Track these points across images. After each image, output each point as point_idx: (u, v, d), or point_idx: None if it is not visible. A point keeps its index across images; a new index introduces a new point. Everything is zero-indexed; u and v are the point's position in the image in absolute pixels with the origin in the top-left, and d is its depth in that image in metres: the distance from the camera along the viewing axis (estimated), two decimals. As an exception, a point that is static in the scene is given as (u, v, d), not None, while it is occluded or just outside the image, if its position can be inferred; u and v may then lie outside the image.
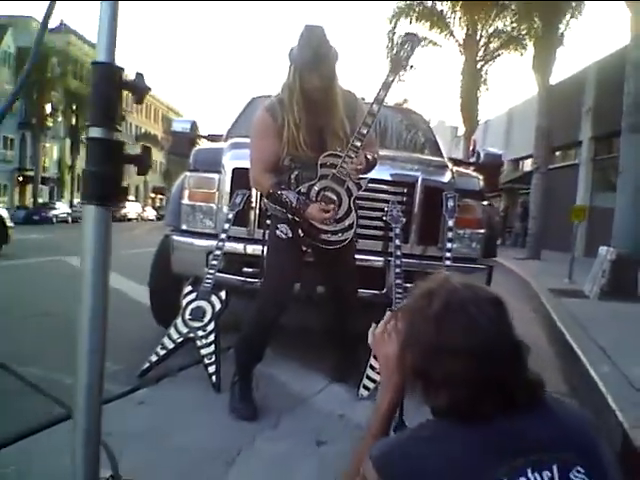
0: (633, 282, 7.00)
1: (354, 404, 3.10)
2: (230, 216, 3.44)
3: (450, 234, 3.43)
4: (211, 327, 3.30)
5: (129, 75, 1.00)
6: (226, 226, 3.42)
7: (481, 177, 4.05)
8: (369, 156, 2.82)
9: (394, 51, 2.84)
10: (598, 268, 7.09)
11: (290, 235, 2.87)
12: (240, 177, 3.46)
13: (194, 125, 4.54)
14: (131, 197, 40.33)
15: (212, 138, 4.95)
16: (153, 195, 67.45)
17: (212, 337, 3.28)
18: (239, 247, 3.56)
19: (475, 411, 1.07)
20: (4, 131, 42.11)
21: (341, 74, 2.75)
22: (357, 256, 3.24)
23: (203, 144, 4.76)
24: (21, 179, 42.67)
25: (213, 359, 3.25)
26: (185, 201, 3.73)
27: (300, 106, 2.71)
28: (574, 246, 9.49)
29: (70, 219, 35.58)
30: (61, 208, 37.09)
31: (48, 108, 40.83)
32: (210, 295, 3.35)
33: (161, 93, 58.67)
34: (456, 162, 4.98)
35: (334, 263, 3.07)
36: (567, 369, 4.06)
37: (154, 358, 3.31)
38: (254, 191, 3.47)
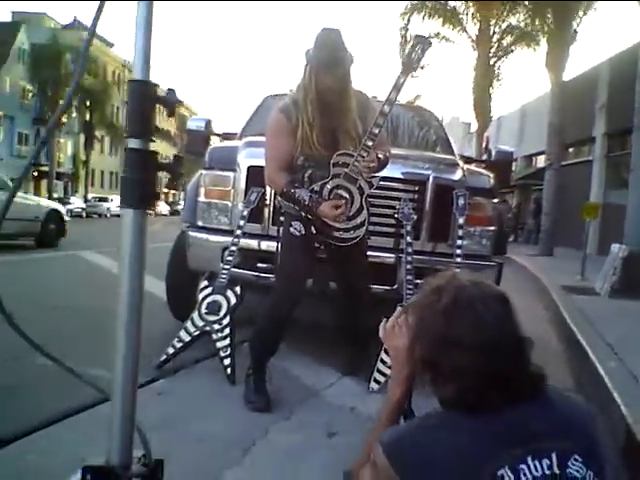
0: (644, 279, 7.02)
1: (365, 397, 3.17)
2: (245, 213, 3.52)
3: (460, 231, 3.48)
4: (226, 321, 3.39)
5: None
6: (241, 223, 3.50)
7: (492, 175, 4.10)
8: (380, 155, 2.88)
9: (405, 52, 2.90)
10: (610, 265, 7.09)
11: (303, 232, 2.95)
12: (255, 175, 3.54)
13: (209, 123, 4.62)
14: None
15: (226, 136, 5.04)
16: (166, 190, 67.86)
17: (227, 331, 3.37)
18: (254, 243, 3.64)
19: (480, 402, 1.13)
20: (19, 127, 42.47)
21: (355, 71, 2.82)
22: (369, 253, 3.31)
23: (218, 142, 4.85)
24: (36, 174, 42.96)
25: (228, 352, 3.33)
26: (201, 198, 3.82)
27: (314, 106, 2.78)
28: (586, 243, 9.48)
29: (84, 214, 35.82)
30: (75, 203, 37.31)
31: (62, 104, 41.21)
32: (225, 290, 3.44)
33: (175, 89, 58.78)
34: (467, 160, 5.04)
35: (346, 260, 3.14)
36: (575, 364, 4.11)
37: (171, 350, 3.40)
38: (268, 189, 3.54)
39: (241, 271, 3.60)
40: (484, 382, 1.13)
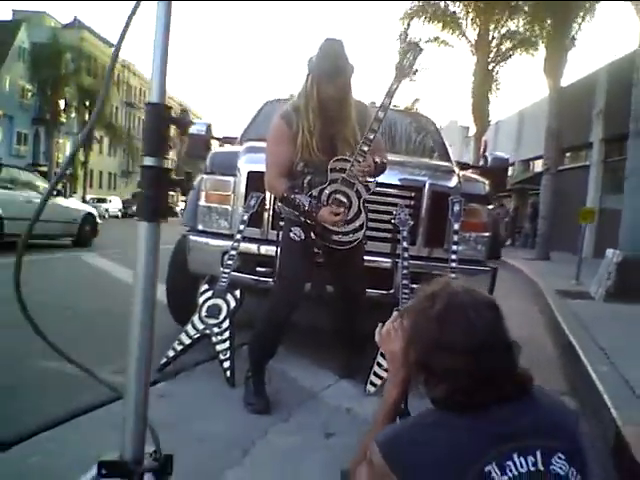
0: (638, 284, 7.09)
1: (361, 399, 3.23)
2: (245, 218, 3.58)
3: (456, 237, 3.55)
4: (226, 324, 3.45)
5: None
6: (241, 227, 3.56)
7: (487, 182, 4.17)
8: (377, 159, 2.95)
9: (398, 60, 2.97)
10: (604, 270, 7.17)
11: (303, 237, 3.01)
12: (255, 180, 3.61)
13: (209, 128, 4.68)
14: None
15: (226, 140, 5.10)
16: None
17: (227, 334, 3.43)
18: (253, 247, 3.70)
19: (470, 401, 1.20)
20: (18, 126, 42.32)
21: (355, 77, 2.89)
22: (366, 257, 3.37)
23: (218, 147, 4.91)
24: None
25: (228, 355, 3.39)
26: (202, 202, 3.88)
27: (315, 114, 2.85)
28: (582, 248, 9.56)
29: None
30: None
31: (61, 104, 40.94)
32: (225, 293, 3.50)
33: (174, 92, 58.39)
34: (464, 166, 5.10)
35: (344, 264, 3.20)
36: (568, 368, 4.18)
37: (172, 353, 3.46)
38: (268, 194, 3.61)
39: (241, 275, 3.66)
40: (474, 383, 1.20)
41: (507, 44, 19.23)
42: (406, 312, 1.44)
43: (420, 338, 1.29)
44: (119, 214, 39.91)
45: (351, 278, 3.30)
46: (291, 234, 3.03)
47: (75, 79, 40.76)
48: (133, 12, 1.08)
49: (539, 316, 6.64)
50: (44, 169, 41.27)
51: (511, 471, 1.13)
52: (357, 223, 3.00)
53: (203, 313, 3.49)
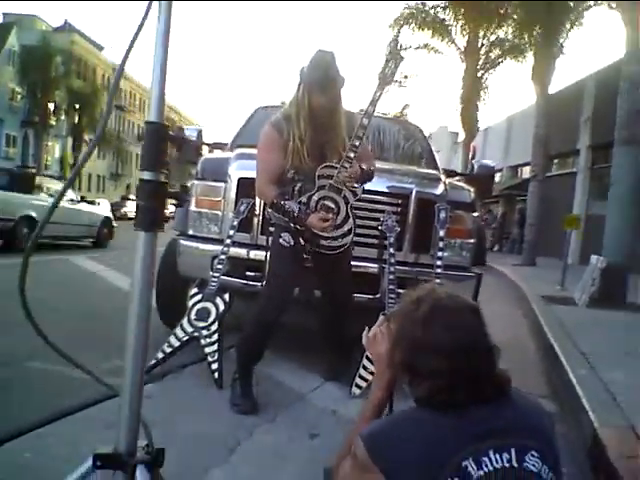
0: (622, 291, 7.21)
1: (346, 401, 3.30)
2: (235, 223, 3.64)
3: (441, 243, 3.63)
4: (215, 327, 3.51)
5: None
6: (231, 232, 3.62)
7: (472, 189, 4.25)
8: (364, 166, 3.04)
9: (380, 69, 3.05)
10: (588, 276, 7.27)
11: (292, 243, 3.07)
12: (245, 186, 3.68)
13: (200, 133, 4.74)
14: (132, 196, 40.20)
15: (217, 146, 5.15)
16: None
17: (216, 336, 3.49)
18: (243, 252, 3.75)
19: (451, 401, 1.27)
20: (7, 129, 41.84)
21: (346, 86, 2.97)
22: (354, 262, 3.44)
23: (209, 153, 4.96)
24: None
25: (216, 357, 3.45)
26: (192, 208, 3.94)
27: (307, 122, 2.94)
28: (567, 254, 9.68)
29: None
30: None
31: (51, 107, 40.64)
32: (215, 297, 3.56)
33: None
34: (450, 173, 5.19)
35: (332, 269, 3.27)
36: (550, 371, 4.26)
37: (160, 355, 3.51)
38: (258, 200, 3.68)
39: (230, 279, 3.71)
40: (455, 383, 1.27)
41: (496, 51, 19.34)
42: (393, 316, 1.51)
43: (405, 340, 1.36)
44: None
45: (339, 283, 3.37)
46: (281, 240, 3.10)
47: (65, 82, 40.52)
48: (139, 27, 1.16)
49: (523, 320, 6.73)
50: (32, 172, 41.01)
51: (487, 466, 1.19)
52: (345, 228, 3.07)
53: (192, 316, 3.54)
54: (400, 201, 3.83)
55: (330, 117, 2.98)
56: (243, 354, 3.26)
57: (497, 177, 26.39)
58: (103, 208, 15.54)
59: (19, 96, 41.78)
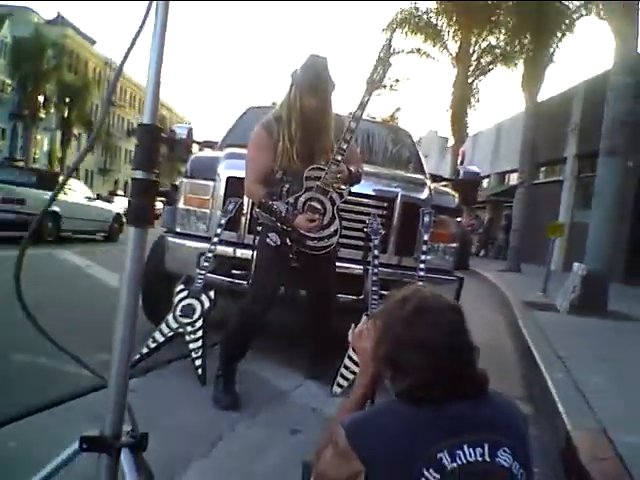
0: (602, 298, 7.31)
1: (327, 400, 3.35)
2: (222, 221, 3.68)
3: (425, 247, 3.70)
4: (200, 324, 3.55)
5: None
6: (218, 230, 3.66)
7: (457, 195, 4.33)
8: (352, 168, 3.11)
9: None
10: (570, 283, 7.37)
11: (279, 243, 3.12)
12: (233, 185, 3.73)
13: (190, 131, 4.76)
14: (120, 192, 39.81)
15: (207, 145, 5.19)
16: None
17: (200, 333, 3.53)
18: (229, 250, 3.80)
19: (429, 396, 1.32)
20: None
21: (336, 93, 3.06)
22: (339, 263, 3.50)
23: (199, 151, 5.00)
24: None
25: (200, 353, 3.49)
26: (181, 205, 3.98)
27: (297, 124, 3.01)
28: (550, 261, 9.78)
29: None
30: (50, 200, 36.70)
31: (41, 99, 40.07)
32: (200, 294, 3.60)
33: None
34: (436, 178, 5.26)
35: (317, 269, 3.33)
36: (527, 375, 4.35)
37: (145, 350, 3.55)
38: (246, 199, 3.72)
39: (216, 277, 3.76)
40: (435, 380, 1.32)
41: (487, 58, 19.41)
42: (379, 314, 1.58)
43: (390, 336, 1.41)
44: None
45: (323, 283, 3.43)
46: (268, 239, 3.15)
47: (56, 75, 40.09)
48: (140, 28, 1.22)
49: (504, 325, 6.82)
50: (20, 164, 40.39)
51: (460, 459, 1.25)
52: (332, 229, 3.14)
53: (177, 312, 3.58)
54: (386, 204, 3.89)
55: (320, 120, 3.05)
56: (227, 351, 3.30)
57: (485, 183, 26.54)
58: (115, 205, 16.97)
59: (9, 88, 41.24)
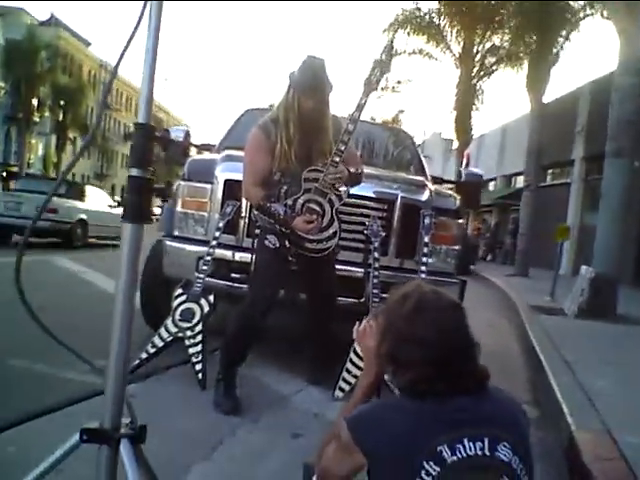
0: (610, 301, 7.19)
1: (329, 404, 3.31)
2: (221, 225, 3.65)
3: (426, 249, 3.65)
4: (199, 328, 3.52)
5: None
6: (217, 234, 3.63)
7: (458, 196, 4.28)
8: (352, 169, 3.09)
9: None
10: (578, 287, 7.27)
11: (278, 245, 3.10)
12: (231, 188, 3.70)
13: (188, 134, 4.73)
14: (117, 197, 38.84)
15: (204, 148, 5.15)
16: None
17: (200, 337, 3.50)
18: (228, 254, 3.77)
19: (430, 390, 1.32)
20: None
21: (337, 92, 3.04)
22: (340, 266, 3.48)
23: (197, 154, 4.97)
24: (4, 174, 38.96)
25: (200, 358, 3.46)
26: (178, 209, 3.95)
27: (295, 125, 3.00)
28: (559, 265, 9.70)
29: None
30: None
31: (35, 103, 38.39)
32: (199, 298, 3.57)
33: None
34: (437, 180, 5.21)
35: (317, 271, 3.30)
36: (533, 379, 4.29)
37: (144, 356, 3.52)
38: (244, 202, 3.69)
39: (215, 280, 3.73)
40: (435, 375, 1.32)
41: (491, 59, 19.17)
42: (380, 311, 1.58)
43: (391, 332, 1.41)
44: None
45: (323, 285, 3.39)
46: (266, 241, 3.12)
47: (50, 78, 38.78)
48: (135, 29, 1.22)
49: (511, 329, 6.76)
50: (15, 169, 38.92)
51: (460, 452, 1.25)
52: (330, 231, 3.11)
53: (177, 317, 3.55)
54: (386, 206, 3.86)
55: (318, 121, 3.03)
56: (227, 355, 3.27)
57: (491, 186, 26.40)
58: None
59: (2, 91, 39.73)
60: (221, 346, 3.34)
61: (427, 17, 18.34)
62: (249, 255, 3.50)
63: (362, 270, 3.77)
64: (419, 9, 18.34)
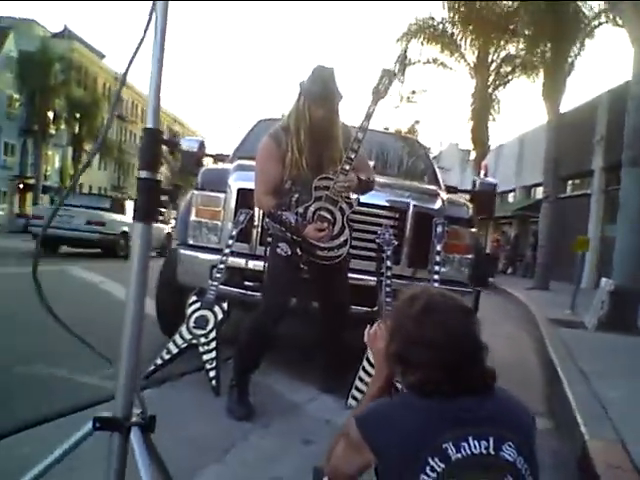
0: (631, 314, 7.02)
1: (341, 412, 3.29)
2: (234, 233, 3.69)
3: (438, 258, 3.64)
4: (213, 335, 3.55)
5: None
6: (230, 242, 3.67)
7: (470, 205, 4.28)
8: (363, 177, 3.11)
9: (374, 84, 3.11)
10: (598, 299, 7.14)
11: (289, 253, 3.13)
12: (244, 197, 3.75)
13: (202, 144, 4.77)
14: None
15: (219, 158, 5.21)
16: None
17: (214, 344, 3.54)
18: (241, 262, 3.81)
19: (438, 390, 1.34)
20: (5, 137, 40.36)
21: (348, 101, 3.07)
22: (352, 275, 3.49)
23: (212, 164, 5.03)
24: (22, 187, 40.75)
25: (214, 365, 3.49)
26: (192, 217, 4.00)
27: (306, 133, 3.04)
28: (580, 277, 9.52)
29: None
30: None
31: (50, 115, 38.67)
32: (213, 305, 3.61)
33: (167, 104, 55.71)
34: (451, 189, 5.20)
35: (329, 279, 3.32)
36: (550, 391, 4.26)
37: (159, 362, 3.56)
38: (257, 210, 3.74)
39: (229, 288, 3.76)
40: (443, 375, 1.34)
41: (507, 68, 18.89)
42: (390, 313, 1.60)
43: (400, 333, 1.44)
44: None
45: (335, 293, 3.41)
46: (278, 249, 3.15)
47: (65, 90, 38.73)
48: (144, 33, 1.28)
49: (530, 342, 6.69)
50: (31, 181, 39.45)
51: (465, 450, 1.27)
52: (342, 239, 3.13)
53: (191, 324, 3.59)
54: (398, 215, 3.87)
55: (328, 130, 3.07)
56: (240, 363, 3.30)
57: (510, 197, 26.13)
58: (167, 226, 19.05)
59: (17, 103, 39.96)
60: (234, 353, 3.37)
61: (440, 26, 18.01)
62: (262, 263, 3.52)
63: (375, 279, 3.77)
64: (432, 18, 18.03)
